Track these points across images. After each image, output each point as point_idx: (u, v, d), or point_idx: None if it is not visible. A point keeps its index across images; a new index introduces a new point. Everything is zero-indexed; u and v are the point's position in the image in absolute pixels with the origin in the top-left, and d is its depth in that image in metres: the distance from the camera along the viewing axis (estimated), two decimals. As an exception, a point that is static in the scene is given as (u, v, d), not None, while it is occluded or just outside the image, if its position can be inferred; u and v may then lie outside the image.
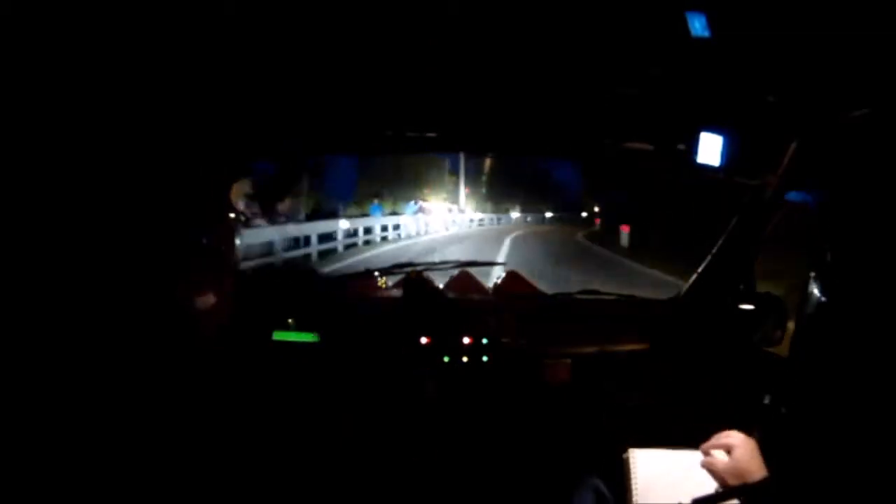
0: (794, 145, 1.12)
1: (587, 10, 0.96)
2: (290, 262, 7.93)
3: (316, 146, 1.75)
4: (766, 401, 1.22)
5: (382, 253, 10.63)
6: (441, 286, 1.73)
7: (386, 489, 1.41)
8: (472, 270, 1.81)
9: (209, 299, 1.04)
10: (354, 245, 11.33)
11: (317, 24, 0.98)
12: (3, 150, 0.81)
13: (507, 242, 13.58)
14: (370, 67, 1.15)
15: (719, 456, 1.00)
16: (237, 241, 1.21)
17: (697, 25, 0.91)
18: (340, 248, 10.68)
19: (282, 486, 1.35)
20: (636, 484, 1.12)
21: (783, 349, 1.26)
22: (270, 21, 0.95)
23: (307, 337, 1.44)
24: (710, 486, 0.99)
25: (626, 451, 1.18)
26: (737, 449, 0.98)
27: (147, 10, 0.87)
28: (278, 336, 1.45)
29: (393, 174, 20.96)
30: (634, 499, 1.11)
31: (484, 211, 25.79)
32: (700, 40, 0.92)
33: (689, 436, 1.10)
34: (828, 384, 0.89)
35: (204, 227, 1.08)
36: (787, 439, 0.97)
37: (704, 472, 1.03)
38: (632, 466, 1.14)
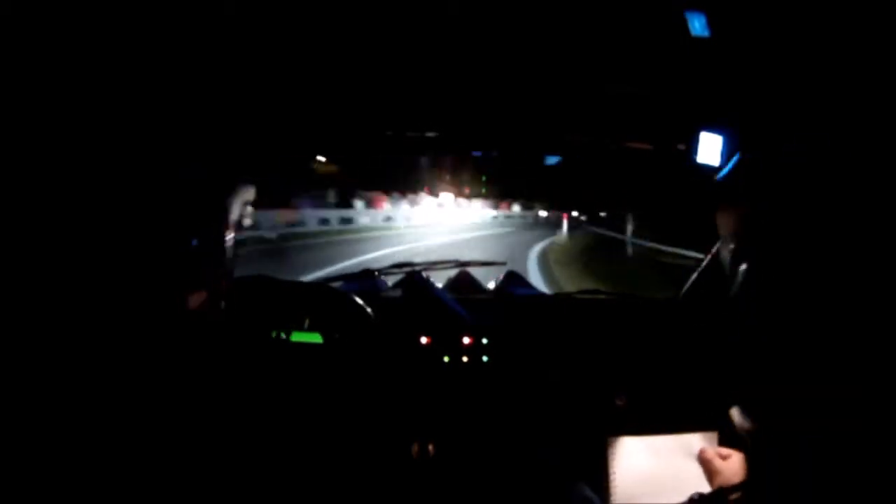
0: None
1: (587, 9, 0.96)
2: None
3: (315, 147, 1.75)
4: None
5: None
6: (441, 286, 1.73)
7: (385, 489, 1.41)
8: (472, 270, 1.81)
9: (202, 301, 1.04)
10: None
11: (317, 25, 0.98)
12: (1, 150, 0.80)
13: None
14: (370, 67, 1.15)
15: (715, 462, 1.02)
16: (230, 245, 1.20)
17: (697, 25, 0.91)
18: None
19: (282, 486, 1.35)
20: (614, 476, 1.13)
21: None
22: (272, 22, 0.95)
23: (312, 337, 1.44)
24: (686, 478, 1.01)
25: (608, 442, 1.18)
26: (731, 456, 1.01)
27: (148, 12, 0.87)
28: (279, 335, 1.44)
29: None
30: (613, 498, 1.12)
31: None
32: (700, 40, 0.92)
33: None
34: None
35: (200, 231, 1.08)
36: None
37: (682, 464, 1.04)
38: (610, 454, 1.15)
